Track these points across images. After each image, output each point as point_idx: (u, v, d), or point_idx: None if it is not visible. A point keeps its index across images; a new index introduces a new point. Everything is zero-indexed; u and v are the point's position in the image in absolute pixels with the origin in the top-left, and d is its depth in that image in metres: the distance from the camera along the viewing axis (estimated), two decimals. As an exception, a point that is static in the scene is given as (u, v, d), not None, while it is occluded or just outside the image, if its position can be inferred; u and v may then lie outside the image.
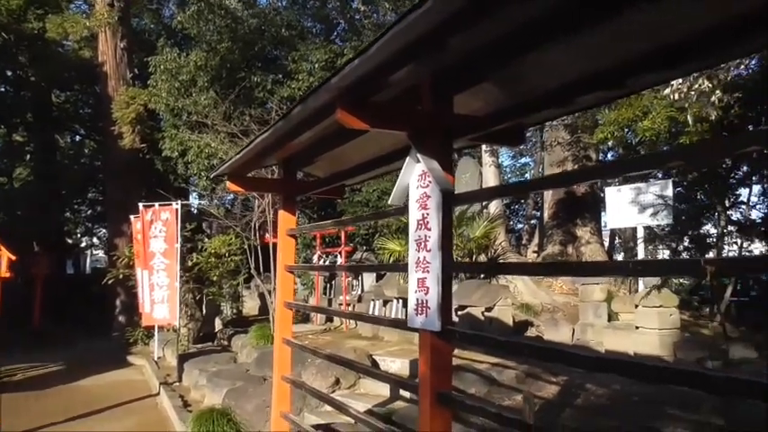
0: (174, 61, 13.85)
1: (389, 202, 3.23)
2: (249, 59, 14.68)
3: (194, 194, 16.04)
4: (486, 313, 9.09)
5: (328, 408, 6.33)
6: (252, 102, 13.64)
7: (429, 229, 2.92)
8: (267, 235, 10.85)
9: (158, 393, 9.27)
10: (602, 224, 16.97)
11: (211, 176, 6.91)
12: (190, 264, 11.59)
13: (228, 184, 4.97)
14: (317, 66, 13.59)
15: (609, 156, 17.29)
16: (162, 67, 13.97)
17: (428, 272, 2.90)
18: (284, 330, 5.19)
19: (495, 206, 14.00)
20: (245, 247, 11.37)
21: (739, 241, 14.61)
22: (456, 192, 3.04)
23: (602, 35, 2.22)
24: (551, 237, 16.52)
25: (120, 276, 12.60)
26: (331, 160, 4.78)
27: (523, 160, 27.94)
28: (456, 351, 8.29)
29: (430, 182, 2.90)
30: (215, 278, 11.93)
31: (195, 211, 15.09)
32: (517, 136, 3.23)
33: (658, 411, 5.81)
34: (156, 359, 11.56)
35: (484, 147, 14.33)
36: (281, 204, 5.23)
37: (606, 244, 18.53)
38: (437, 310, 2.83)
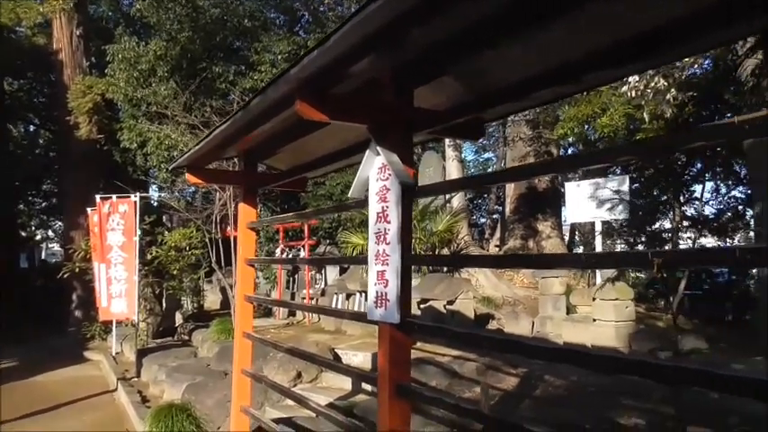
0: (132, 50, 13.53)
1: (349, 195, 3.23)
2: (210, 50, 14.43)
3: (154, 187, 15.71)
4: (448, 306, 9.17)
5: (290, 402, 6.30)
6: (213, 93, 13.42)
7: (389, 222, 2.92)
8: (229, 228, 10.70)
9: (116, 389, 9.09)
10: (563, 219, 17.27)
11: (170, 168, 6.79)
12: (149, 257, 11.37)
13: (188, 176, 4.90)
14: (280, 57, 13.45)
15: (570, 151, 17.62)
16: (120, 55, 13.63)
17: (387, 264, 2.91)
18: (245, 324, 5.14)
19: (458, 200, 14.12)
20: (206, 240, 11.21)
21: (693, 236, 15.07)
22: (420, 185, 3.06)
23: (558, 31, 2.26)
24: (513, 231, 16.75)
25: (77, 270, 12.28)
26: (292, 152, 4.74)
27: (487, 155, 28.24)
28: (419, 344, 8.36)
29: (390, 175, 2.91)
30: (175, 272, 11.73)
31: (155, 204, 14.80)
32: (477, 130, 3.26)
33: (613, 401, 5.96)
34: (113, 354, 11.33)
35: (447, 141, 14.43)
36: (241, 197, 5.18)
37: (567, 238, 18.88)
38: (396, 303, 2.84)
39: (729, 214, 15.12)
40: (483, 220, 27.67)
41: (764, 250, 1.35)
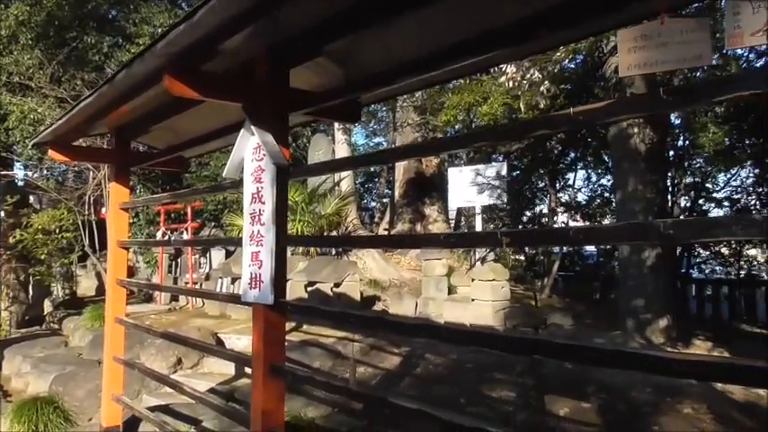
0: (-12, 13, 12.27)
1: (224, 175, 3.17)
2: (82, 18, 13.36)
3: (19, 165, 14.46)
4: (334, 289, 9.24)
5: (169, 389, 6.12)
6: (85, 65, 12.48)
7: (263, 203, 2.90)
8: (104, 210, 10.10)
9: (-28, 384, 8.35)
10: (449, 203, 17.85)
11: (30, 143, 6.29)
12: (12, 241, 10.48)
13: (51, 152, 4.57)
14: (160, 30, 12.74)
15: (456, 138, 18.18)
16: (-26, 19, 12.32)
17: (262, 245, 2.90)
18: (117, 309, 4.91)
19: (346, 184, 14.20)
20: (79, 222, 10.50)
21: (566, 219, 16.16)
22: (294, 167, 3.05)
23: (431, 17, 2.34)
24: (402, 215, 17.10)
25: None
26: (168, 130, 4.56)
27: (377, 140, 28.53)
28: (305, 327, 8.38)
29: (264, 155, 2.88)
30: (43, 257, 10.89)
31: (21, 183, 13.63)
32: (354, 112, 3.31)
33: (488, 377, 6.30)
34: (-31, 347, 10.38)
35: (336, 125, 14.44)
36: (112, 176, 4.91)
37: (454, 222, 19.52)
38: (270, 284, 2.84)
39: (598, 200, 16.30)
40: (374, 204, 28.01)
41: (593, 230, 1.48)
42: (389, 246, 10.21)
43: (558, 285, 13.88)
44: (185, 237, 11.40)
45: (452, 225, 18.31)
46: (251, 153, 2.97)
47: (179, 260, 12.69)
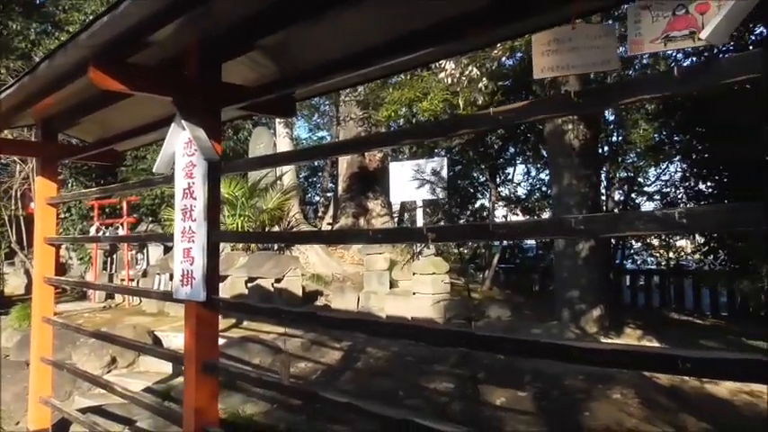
0: None
1: (154, 170, 3.10)
2: (6, 3, 12.71)
3: (-63, 156, 13.65)
4: (276, 284, 9.18)
5: (104, 390, 5.94)
6: (10, 52, 11.86)
7: (195, 199, 2.86)
8: (32, 204, 9.67)
9: None
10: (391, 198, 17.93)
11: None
12: (-71, 238, 9.94)
13: (-30, 145, 4.35)
14: (92, 17, 12.25)
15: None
16: None
17: (193, 242, 2.86)
18: (44, 308, 4.72)
19: (289, 178, 14.08)
20: (5, 217, 10.02)
21: (506, 213, 16.50)
22: (226, 162, 3.02)
23: (363, 13, 2.35)
24: (345, 209, 17.07)
25: None
26: (99, 123, 4.42)
27: (321, 134, 28.37)
28: (245, 323, 8.30)
29: (196, 150, 2.84)
30: (-36, 254, 10.37)
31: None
32: (288, 107, 3.29)
33: (428, 369, 6.41)
34: None
35: (278, 118, 14.29)
36: (39, 170, 4.72)
37: (398, 216, 19.63)
38: (202, 281, 2.81)
39: (537, 195, 16.70)
40: (317, 199, 27.85)
41: (511, 225, 1.54)
42: (317, 242, 10.20)
43: (498, 278, 14.17)
44: (121, 232, 11.06)
45: (396, 220, 18.41)
46: (182, 148, 2.91)
47: (115, 256, 12.30)
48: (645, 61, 10.92)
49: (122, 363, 7.04)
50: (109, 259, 12.45)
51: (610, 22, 5.84)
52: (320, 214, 22.86)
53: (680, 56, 10.90)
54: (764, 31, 7.72)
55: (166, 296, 3.52)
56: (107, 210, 12.85)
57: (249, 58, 2.97)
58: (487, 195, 15.97)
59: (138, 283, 11.16)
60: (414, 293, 8.90)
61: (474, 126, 1.85)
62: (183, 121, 2.82)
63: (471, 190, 17.09)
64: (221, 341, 6.87)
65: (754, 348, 7.32)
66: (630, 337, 8.20)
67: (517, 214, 16.56)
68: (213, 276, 2.86)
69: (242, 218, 10.91)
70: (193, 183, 2.86)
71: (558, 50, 1.49)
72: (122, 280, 11.29)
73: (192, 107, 2.83)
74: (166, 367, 6.74)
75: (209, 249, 2.83)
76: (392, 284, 9.72)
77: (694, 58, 10.33)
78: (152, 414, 4.38)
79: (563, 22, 1.69)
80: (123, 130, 4.42)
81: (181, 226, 2.92)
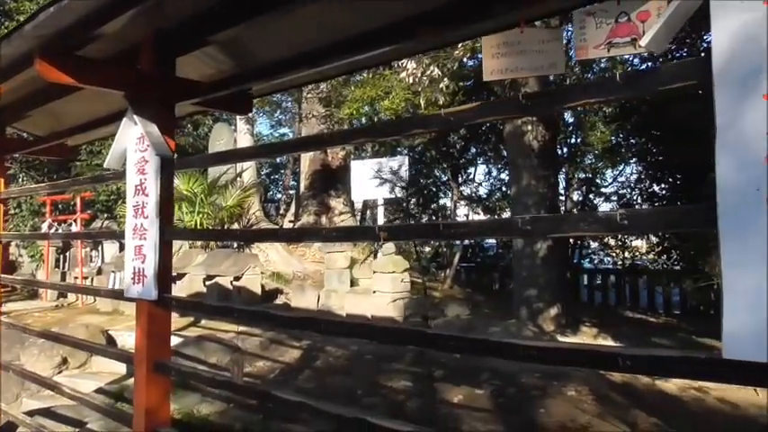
0: None
1: (105, 165, 3.04)
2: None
3: None
4: (234, 282, 9.07)
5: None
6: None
7: (147, 195, 2.81)
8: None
9: None
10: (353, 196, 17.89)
11: None
12: None
13: None
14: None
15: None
16: None
17: (145, 239, 2.80)
18: (-11, 308, 4.57)
19: (249, 175, 13.93)
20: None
21: (467, 212, 16.65)
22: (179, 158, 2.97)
23: (317, 11, 2.34)
24: (307, 207, 16.98)
25: None
26: (49, 116, 4.31)
27: (283, 130, 28.12)
28: (203, 322, 8.17)
29: (148, 146, 2.79)
30: None
31: None
32: (245, 104, 3.26)
33: (386, 367, 6.42)
34: None
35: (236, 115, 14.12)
36: (-17, 165, 4.56)
37: (360, 215, 19.59)
38: (154, 279, 2.76)
39: (498, 194, 16.90)
40: (279, 196, 27.62)
41: (460, 224, 1.55)
42: (271, 240, 10.14)
43: (460, 276, 14.28)
44: (74, 229, 10.77)
45: (359, 218, 18.39)
46: (134, 143, 2.86)
47: (68, 254, 11.97)
48: (603, 65, 11.17)
49: (74, 363, 6.86)
50: (62, 257, 12.11)
51: (570, 26, 5.95)
52: (282, 212, 22.68)
53: (636, 61, 11.21)
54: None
55: (117, 295, 3.44)
56: (60, 205, 12.49)
57: (205, 54, 2.93)
58: (449, 194, 16.10)
59: (92, 281, 10.87)
60: (374, 292, 8.91)
61: (426, 126, 1.87)
62: (135, 117, 2.76)
63: (434, 189, 17.18)
64: (178, 340, 6.81)
65: (702, 346, 7.58)
66: (586, 335, 8.37)
67: (478, 213, 16.73)
68: (166, 274, 2.81)
69: (201, 215, 10.75)
70: (146, 179, 2.81)
71: (507, 53, 1.52)
72: (76, 278, 10.99)
73: (144, 102, 2.77)
74: (120, 367, 6.59)
75: (162, 247, 2.78)
76: (353, 283, 9.70)
77: (650, 63, 10.64)
78: (103, 415, 4.28)
79: (514, 26, 1.72)
80: (76, 124, 4.32)
81: (132, 223, 2.87)
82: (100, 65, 2.77)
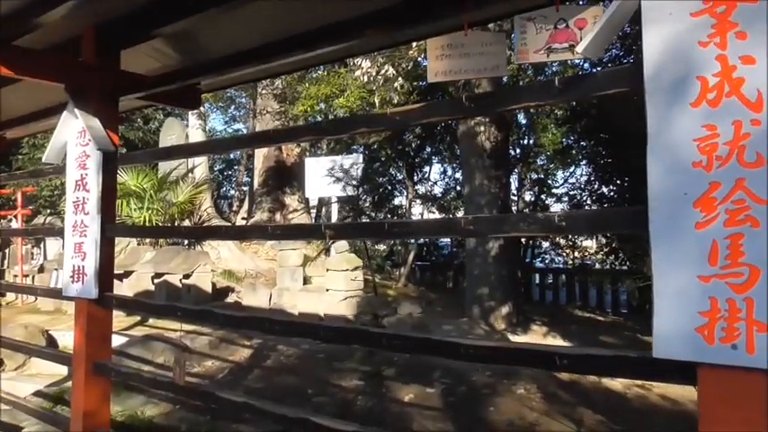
0: None
1: (44, 159, 2.93)
2: None
3: None
4: (184, 280, 8.88)
5: (-11, 393, 5.53)
6: None
7: (88, 191, 2.73)
8: None
9: None
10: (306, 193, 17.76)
11: None
12: None
13: None
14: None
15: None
16: None
17: (86, 236, 2.72)
18: None
19: (200, 171, 13.68)
20: None
21: (422, 211, 16.74)
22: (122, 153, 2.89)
23: (261, 10, 2.31)
24: (261, 204, 16.77)
25: None
26: (-15, 108, 4.11)
27: (237, 126, 27.68)
28: (151, 321, 7.97)
29: (90, 140, 2.70)
30: None
31: None
32: (192, 99, 3.20)
33: (338, 366, 6.40)
34: None
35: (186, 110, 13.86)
36: None
37: (315, 212, 19.46)
38: (94, 277, 2.68)
39: (453, 193, 17.03)
40: (233, 193, 27.18)
41: (406, 224, 1.56)
42: (216, 238, 9.96)
43: (414, 274, 14.34)
44: (14, 225, 10.36)
45: (313, 215, 18.28)
46: (75, 137, 2.77)
47: (7, 251, 11.50)
48: (554, 68, 11.40)
49: (11, 365, 6.60)
50: (1, 254, 11.64)
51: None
52: (235, 209, 22.33)
53: (587, 65, 11.48)
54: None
55: (56, 294, 3.33)
56: (-1, 200, 12.01)
57: (151, 47, 2.86)
58: (405, 193, 16.15)
59: (33, 279, 10.48)
60: (327, 290, 8.87)
61: (371, 125, 1.87)
62: (76, 110, 2.68)
63: (389, 187, 17.20)
64: (123, 340, 6.63)
65: (646, 344, 7.80)
66: (537, 334, 8.52)
67: (433, 212, 16.83)
68: (107, 272, 2.74)
69: (150, 211, 10.50)
70: (87, 174, 2.73)
71: (451, 55, 1.53)
72: (15, 276, 10.58)
73: (86, 95, 2.69)
74: (61, 369, 6.36)
75: (103, 244, 2.71)
76: (306, 281, 9.64)
77: (599, 68, 10.90)
78: (40, 420, 4.13)
79: (459, 29, 1.74)
80: (15, 116, 4.15)
81: (72, 219, 2.78)
82: (39, 56, 2.67)
